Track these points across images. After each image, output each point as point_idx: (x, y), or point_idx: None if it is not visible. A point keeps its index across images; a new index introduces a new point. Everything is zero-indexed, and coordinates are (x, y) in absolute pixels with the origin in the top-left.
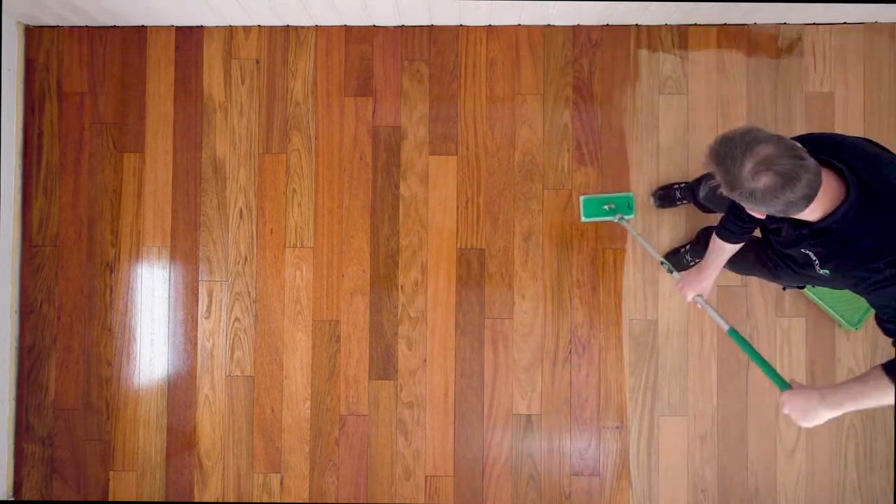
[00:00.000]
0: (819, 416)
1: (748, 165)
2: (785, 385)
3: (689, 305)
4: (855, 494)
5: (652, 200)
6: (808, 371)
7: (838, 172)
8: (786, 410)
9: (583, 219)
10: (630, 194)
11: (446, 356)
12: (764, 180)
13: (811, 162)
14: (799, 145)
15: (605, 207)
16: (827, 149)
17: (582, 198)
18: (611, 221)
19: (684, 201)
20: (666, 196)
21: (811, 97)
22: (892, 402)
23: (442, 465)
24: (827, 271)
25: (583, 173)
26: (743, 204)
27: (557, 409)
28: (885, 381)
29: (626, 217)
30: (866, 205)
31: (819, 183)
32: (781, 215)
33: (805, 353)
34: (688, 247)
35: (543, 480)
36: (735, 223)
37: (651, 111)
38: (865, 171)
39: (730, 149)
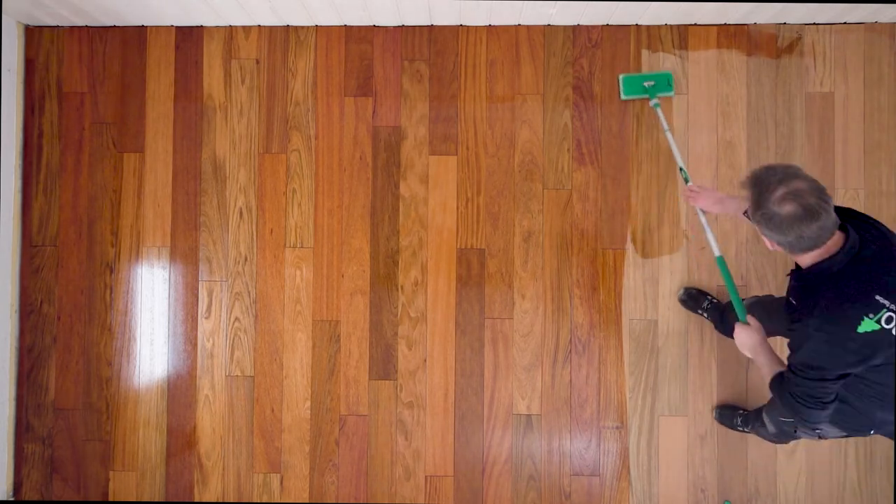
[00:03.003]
0: (752, 347)
1: (779, 191)
2: (744, 318)
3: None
4: (855, 494)
5: (681, 292)
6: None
7: (845, 234)
8: (736, 338)
9: (623, 96)
10: (669, 72)
11: (446, 356)
12: (787, 208)
13: (833, 213)
14: (828, 196)
15: (645, 84)
16: (851, 217)
17: (621, 76)
18: (647, 101)
19: (705, 315)
20: (696, 298)
21: (811, 97)
22: (768, 378)
23: (442, 465)
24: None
25: (583, 173)
26: (760, 226)
27: (557, 409)
28: (777, 368)
29: (664, 95)
30: (843, 272)
31: (830, 234)
32: (787, 249)
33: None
34: (743, 412)
35: (543, 480)
36: None
37: (651, 111)
38: (868, 245)
39: (770, 174)
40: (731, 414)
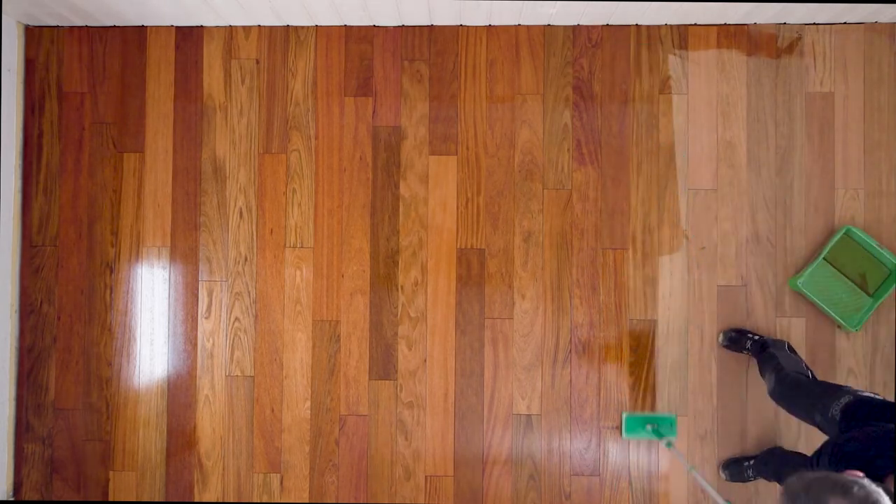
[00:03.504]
0: None
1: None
2: None
3: (689, 305)
4: None
5: (721, 338)
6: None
7: None
8: None
9: (624, 436)
10: (673, 416)
11: (446, 356)
12: None
13: None
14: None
15: (648, 427)
16: None
17: (625, 414)
18: (656, 441)
19: (751, 354)
20: (736, 340)
21: (811, 97)
22: None
23: (442, 465)
24: None
25: (583, 173)
26: None
27: (557, 409)
28: None
29: (668, 438)
30: None
31: None
32: None
33: (805, 353)
34: (752, 462)
35: (543, 480)
36: None
37: (651, 111)
38: None
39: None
40: (739, 468)
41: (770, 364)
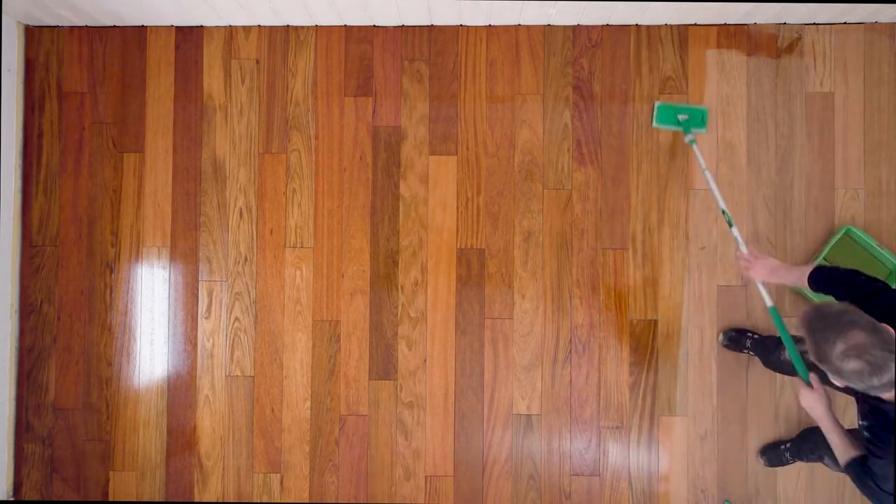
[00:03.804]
0: (819, 417)
1: (839, 347)
2: (807, 379)
3: (689, 305)
4: (855, 494)
5: (721, 338)
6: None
7: None
8: (801, 400)
9: (654, 124)
10: (705, 108)
11: (446, 356)
12: (852, 364)
13: None
14: (891, 334)
15: (679, 117)
16: None
17: (657, 103)
18: (680, 132)
19: (751, 353)
20: (736, 339)
21: (811, 97)
22: (842, 458)
23: (442, 465)
24: (864, 424)
25: (583, 173)
26: (829, 374)
27: (557, 409)
28: (853, 451)
29: (696, 131)
30: None
31: None
32: (864, 391)
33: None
34: (788, 445)
35: (543, 480)
36: (839, 286)
37: (651, 111)
38: None
39: (825, 325)
40: (777, 452)
41: (778, 345)
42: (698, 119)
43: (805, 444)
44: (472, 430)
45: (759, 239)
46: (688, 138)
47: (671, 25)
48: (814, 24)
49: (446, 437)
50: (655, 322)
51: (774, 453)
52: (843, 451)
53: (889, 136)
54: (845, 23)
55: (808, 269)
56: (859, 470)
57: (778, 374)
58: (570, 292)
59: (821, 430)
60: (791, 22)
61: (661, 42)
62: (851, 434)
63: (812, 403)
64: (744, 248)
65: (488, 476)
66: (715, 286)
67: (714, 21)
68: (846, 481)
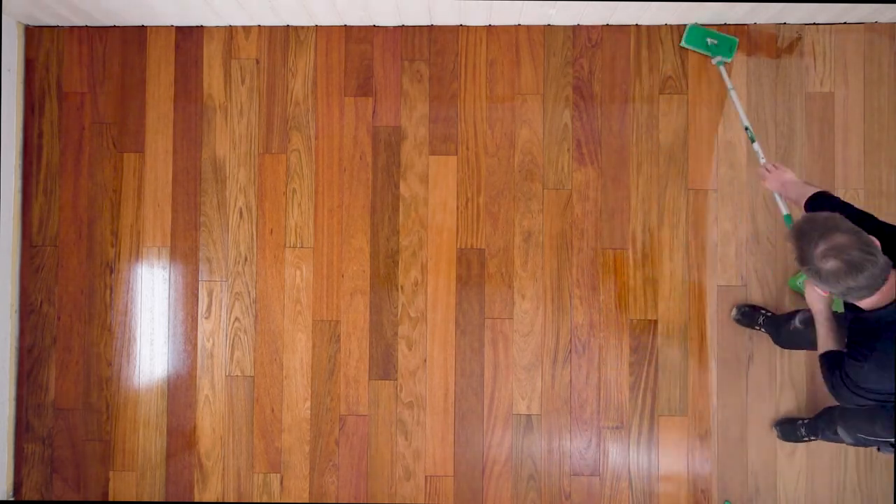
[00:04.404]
0: (814, 314)
1: (821, 247)
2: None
3: (689, 305)
4: (855, 494)
5: (734, 312)
6: (808, 371)
7: None
8: (806, 294)
9: (683, 43)
10: (735, 38)
11: (446, 356)
12: (830, 264)
13: (882, 259)
14: (874, 242)
15: (708, 41)
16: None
17: (689, 25)
18: (707, 56)
19: (762, 330)
20: (750, 315)
21: (811, 97)
22: (822, 348)
23: (442, 465)
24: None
25: (583, 173)
26: (809, 278)
27: (557, 409)
28: (833, 346)
29: (722, 59)
30: None
31: (883, 280)
32: (842, 297)
33: (805, 353)
34: (805, 421)
35: (543, 480)
36: None
37: (651, 111)
38: None
39: (810, 228)
40: (793, 427)
41: (789, 318)
42: (726, 48)
43: (821, 419)
44: (472, 430)
45: (759, 239)
46: (716, 60)
47: (671, 25)
48: (814, 24)
49: (446, 437)
50: (655, 322)
51: (790, 427)
52: (826, 342)
53: (889, 136)
54: (845, 23)
55: (811, 192)
56: (832, 361)
57: (777, 376)
58: (570, 292)
59: (838, 407)
60: (791, 22)
61: (661, 42)
62: (840, 332)
63: (815, 301)
64: (763, 160)
65: (488, 476)
66: (715, 286)
67: (714, 21)
68: (846, 482)
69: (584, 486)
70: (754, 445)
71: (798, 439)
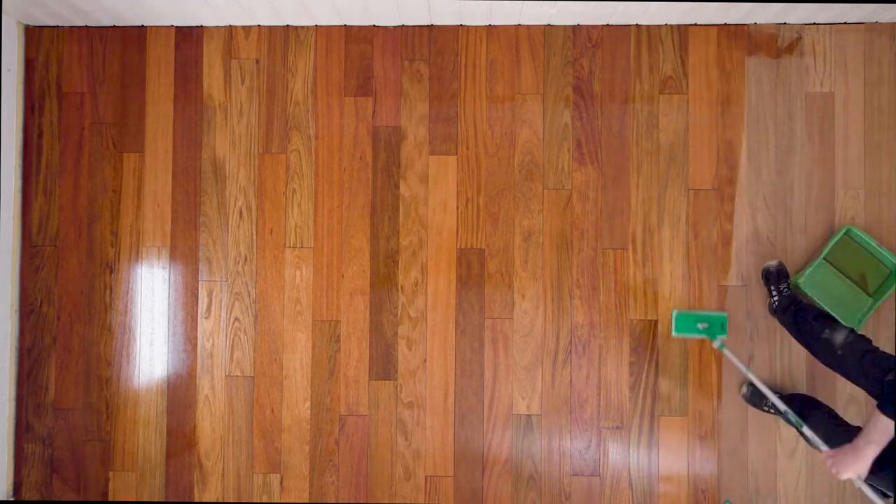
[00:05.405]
0: (855, 466)
1: None
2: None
3: (689, 305)
4: (855, 495)
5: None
6: (808, 371)
7: None
8: (831, 468)
9: (674, 334)
10: (724, 314)
11: (446, 356)
12: None
13: None
14: None
15: (699, 326)
16: None
17: (675, 312)
18: (704, 339)
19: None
20: (759, 395)
21: (811, 97)
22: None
23: (442, 465)
24: None
25: (583, 173)
26: None
27: (557, 409)
28: (884, 420)
29: (720, 338)
30: None
31: None
32: None
33: (805, 353)
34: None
35: (543, 480)
36: None
37: (651, 111)
38: None
39: None
40: (761, 395)
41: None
42: (718, 326)
43: (787, 405)
44: (472, 430)
45: (759, 239)
46: (716, 344)
47: (671, 25)
48: (814, 24)
49: (446, 437)
50: (656, 322)
51: (759, 396)
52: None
53: (889, 136)
54: (845, 23)
55: (878, 419)
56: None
57: (777, 376)
58: (571, 292)
59: (806, 396)
60: (791, 22)
61: (661, 42)
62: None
63: (847, 465)
64: (824, 448)
65: (488, 476)
66: (715, 286)
67: (714, 21)
68: (846, 482)
69: (584, 487)
70: (754, 445)
71: (761, 409)
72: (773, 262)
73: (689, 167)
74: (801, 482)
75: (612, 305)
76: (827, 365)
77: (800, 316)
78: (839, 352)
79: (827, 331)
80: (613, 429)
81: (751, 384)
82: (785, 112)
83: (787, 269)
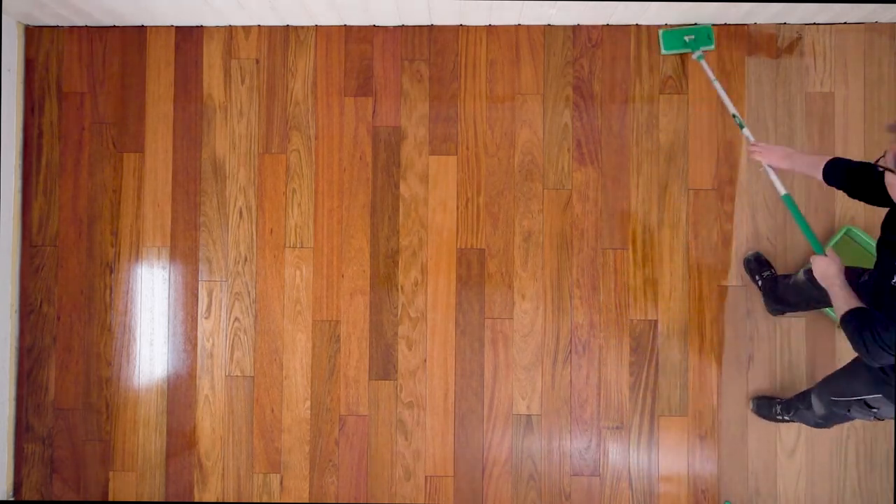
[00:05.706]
0: (831, 276)
1: None
2: (821, 251)
3: (689, 305)
4: (855, 494)
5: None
6: (808, 371)
7: None
8: (815, 270)
9: (664, 51)
10: (709, 26)
11: (446, 356)
12: None
13: None
14: None
15: (686, 39)
16: None
17: (661, 31)
18: (690, 54)
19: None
20: (767, 406)
21: (811, 97)
22: (843, 309)
23: (442, 465)
24: None
25: (583, 173)
26: None
27: (557, 409)
28: (855, 303)
29: (705, 49)
30: None
31: None
32: None
33: (805, 353)
34: (781, 400)
35: (543, 480)
36: (850, 179)
37: (651, 111)
38: None
39: None
40: (769, 404)
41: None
42: (704, 37)
43: (803, 402)
44: (472, 430)
45: (759, 239)
46: (696, 55)
47: (671, 25)
48: (814, 24)
49: (446, 438)
50: (655, 322)
51: (767, 404)
52: (848, 301)
53: (889, 137)
54: (845, 23)
55: (824, 160)
56: (861, 319)
57: (778, 376)
58: (570, 292)
59: (810, 390)
60: (791, 22)
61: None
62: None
63: (825, 265)
64: (752, 140)
65: (488, 476)
66: (715, 286)
67: (714, 21)
68: (846, 482)
69: (584, 487)
70: (754, 445)
71: (772, 417)
72: (750, 253)
73: (689, 167)
74: (801, 482)
75: (612, 305)
76: (821, 303)
77: (779, 285)
78: (814, 282)
79: (798, 272)
80: (613, 429)
81: (757, 398)
82: (785, 112)
83: (765, 256)
